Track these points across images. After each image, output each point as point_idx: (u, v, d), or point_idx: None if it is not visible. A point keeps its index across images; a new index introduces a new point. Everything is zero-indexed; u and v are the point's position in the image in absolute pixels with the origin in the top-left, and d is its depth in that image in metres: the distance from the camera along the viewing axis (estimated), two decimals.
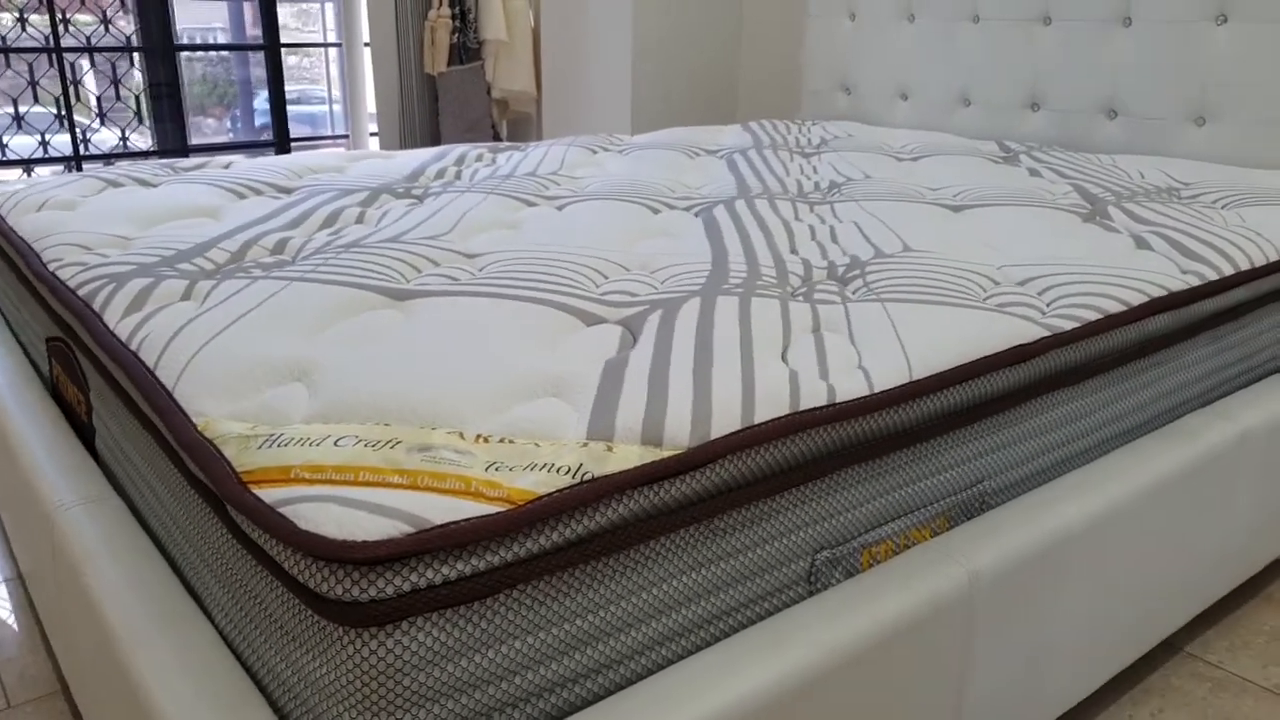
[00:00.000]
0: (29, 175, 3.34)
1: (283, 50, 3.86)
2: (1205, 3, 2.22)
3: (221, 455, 0.82)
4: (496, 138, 3.82)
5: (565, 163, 2.30)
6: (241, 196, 1.83)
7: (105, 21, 3.23)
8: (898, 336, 1.10)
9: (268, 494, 0.76)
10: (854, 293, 1.30)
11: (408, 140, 3.66)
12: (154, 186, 1.88)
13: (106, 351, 1.08)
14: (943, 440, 1.07)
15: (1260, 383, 1.49)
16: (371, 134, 3.94)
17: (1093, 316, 1.21)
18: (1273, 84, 2.12)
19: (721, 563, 0.89)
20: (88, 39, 3.28)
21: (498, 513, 0.74)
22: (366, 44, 3.76)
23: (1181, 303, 1.28)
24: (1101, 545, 1.16)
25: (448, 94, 3.69)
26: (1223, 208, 1.76)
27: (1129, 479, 1.18)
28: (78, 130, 3.26)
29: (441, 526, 0.72)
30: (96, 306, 1.17)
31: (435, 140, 3.76)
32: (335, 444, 0.80)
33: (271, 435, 0.83)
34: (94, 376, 1.22)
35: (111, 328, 1.11)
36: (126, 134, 3.37)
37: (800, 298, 1.27)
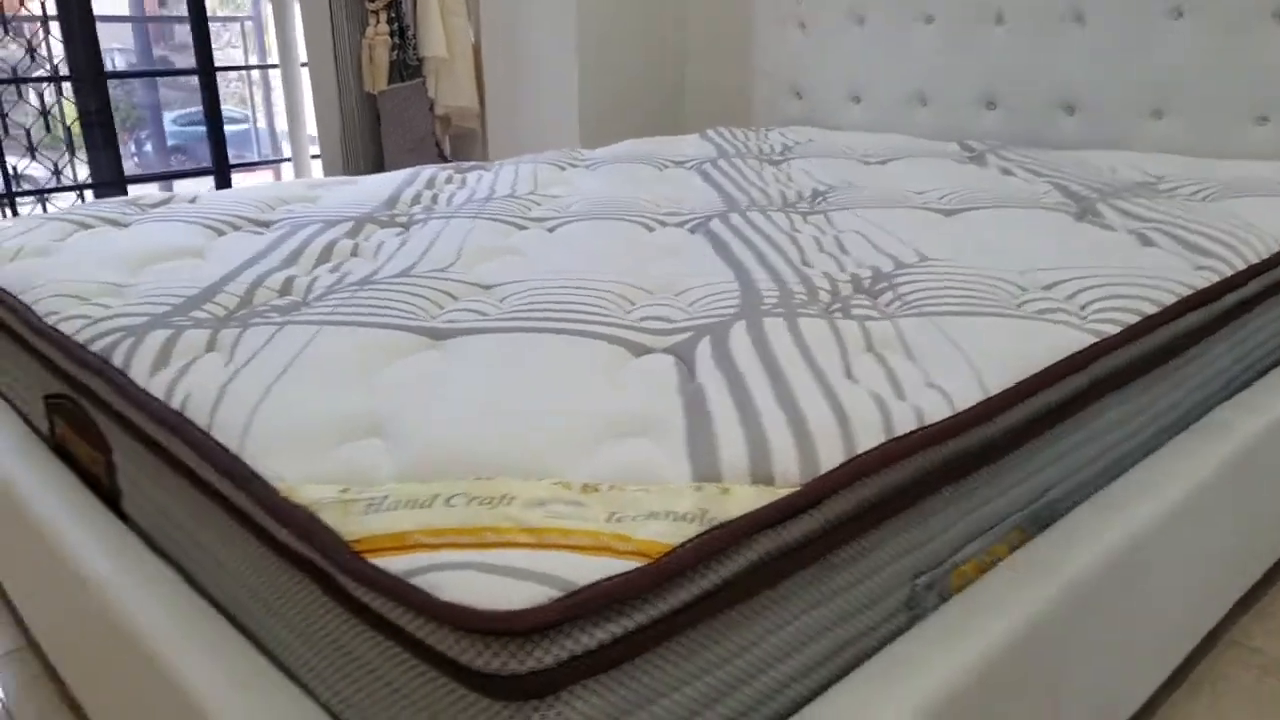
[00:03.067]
0: None
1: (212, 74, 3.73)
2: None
3: (323, 523, 0.77)
4: (441, 155, 3.75)
5: (538, 181, 2.26)
6: (220, 233, 1.75)
7: (30, 51, 3.06)
8: (960, 350, 1.10)
9: (388, 562, 0.72)
10: (888, 305, 1.30)
11: (351, 161, 3.57)
12: (124, 226, 1.79)
13: (146, 413, 1.01)
14: (1017, 454, 1.07)
15: (1273, 372, 1.54)
16: (313, 156, 3.83)
17: (1132, 319, 1.22)
18: (1226, 76, 2.20)
19: (835, 600, 0.88)
20: (14, 69, 3.10)
21: (638, 568, 0.71)
22: (304, 64, 3.66)
23: (1208, 299, 1.31)
24: (1168, 541, 1.17)
25: (389, 112, 3.61)
26: (1203, 200, 1.82)
27: (1185, 475, 1.20)
28: (8, 165, 3.08)
29: (590, 587, 0.68)
30: (118, 363, 1.10)
31: (379, 160, 3.67)
32: (447, 503, 0.76)
33: (374, 499, 0.78)
34: (118, 435, 1.15)
35: (144, 387, 1.05)
36: (59, 166, 3.21)
37: (838, 313, 1.26)
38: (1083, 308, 1.26)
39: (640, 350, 1.13)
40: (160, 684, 0.89)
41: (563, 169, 2.45)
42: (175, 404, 0.99)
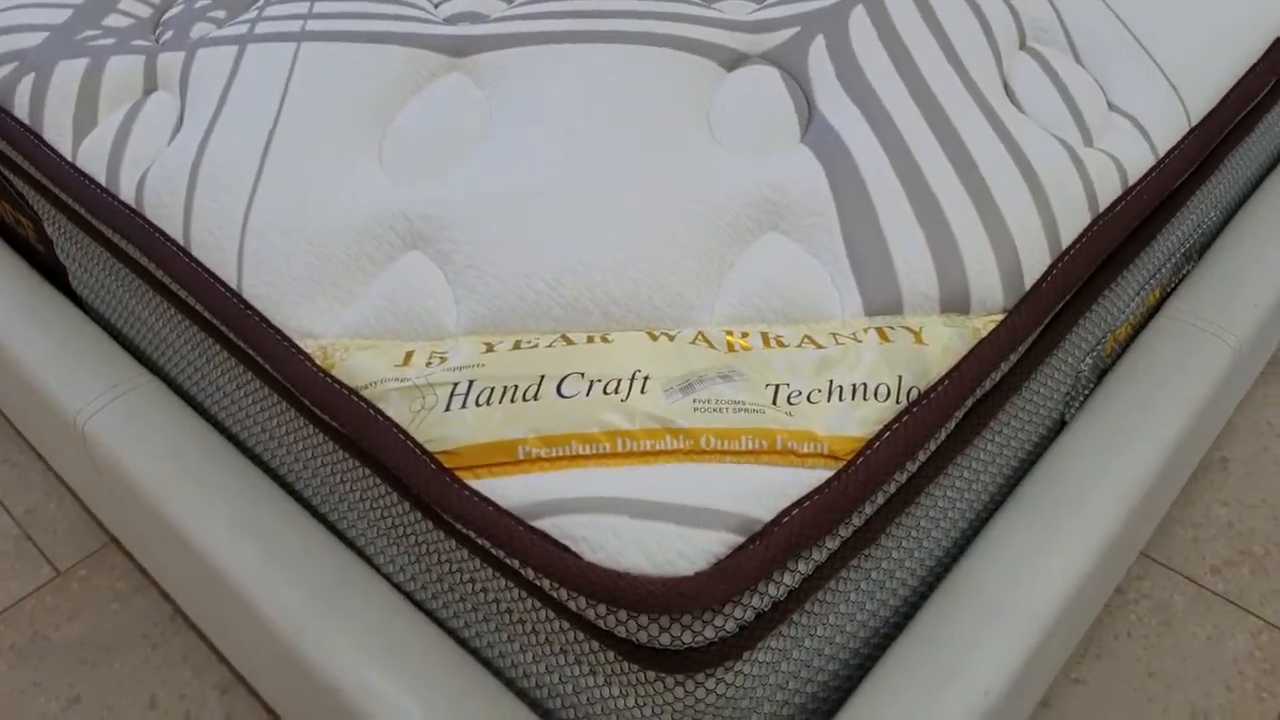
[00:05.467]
0: None
1: None
2: None
3: (391, 422, 0.57)
4: None
5: None
6: None
7: None
8: (1140, 45, 0.84)
9: (496, 489, 0.53)
10: None
11: None
12: None
13: (84, 204, 0.75)
14: (1208, 182, 0.86)
15: None
16: None
17: None
18: None
19: (1005, 428, 0.71)
20: None
21: (832, 480, 0.53)
22: None
23: None
24: None
25: None
26: None
27: None
28: None
29: (778, 524, 0.51)
30: (22, 114, 0.81)
31: None
32: (560, 391, 0.56)
33: (455, 382, 0.57)
34: (45, 207, 0.88)
35: (72, 160, 0.77)
36: None
37: None
38: None
39: (732, 60, 0.85)
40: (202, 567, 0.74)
41: None
42: (126, 195, 0.73)
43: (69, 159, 0.77)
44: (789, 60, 0.83)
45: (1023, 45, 0.87)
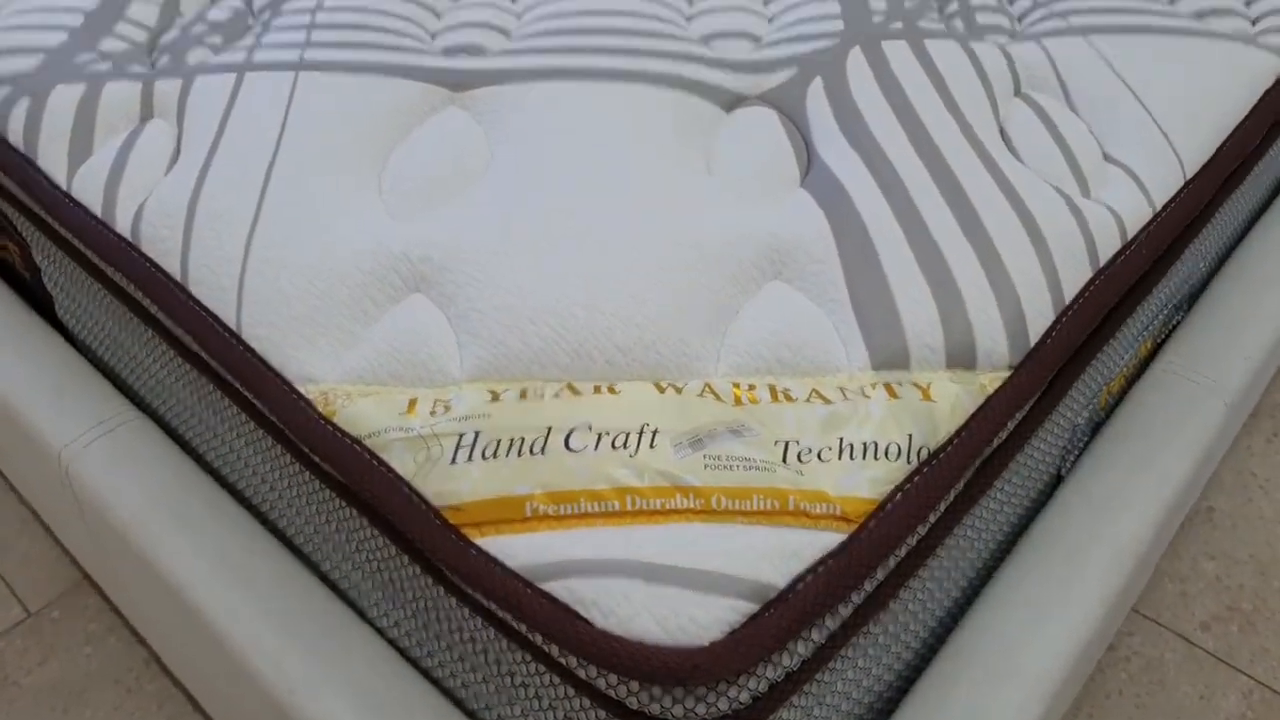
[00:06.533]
0: None
1: None
2: None
3: (394, 474, 0.56)
4: None
5: None
6: None
7: None
8: (1134, 96, 0.85)
9: (502, 548, 0.52)
10: (1013, 3, 1.01)
11: None
12: None
13: (78, 235, 0.73)
14: (1204, 231, 0.87)
15: None
16: None
17: None
18: None
19: (1007, 484, 0.71)
20: None
21: (845, 543, 0.53)
22: None
23: None
24: None
25: None
26: None
27: None
28: None
29: (794, 590, 0.51)
30: (17, 140, 0.79)
31: None
32: (568, 445, 0.55)
33: (461, 433, 0.56)
34: (33, 233, 0.86)
35: (66, 189, 0.75)
36: None
37: (959, 21, 0.97)
38: (1248, 4, 1.00)
39: (730, 100, 0.85)
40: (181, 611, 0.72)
41: None
42: (122, 228, 0.72)
43: (64, 188, 0.76)
44: (787, 103, 0.83)
45: (1018, 92, 0.88)
